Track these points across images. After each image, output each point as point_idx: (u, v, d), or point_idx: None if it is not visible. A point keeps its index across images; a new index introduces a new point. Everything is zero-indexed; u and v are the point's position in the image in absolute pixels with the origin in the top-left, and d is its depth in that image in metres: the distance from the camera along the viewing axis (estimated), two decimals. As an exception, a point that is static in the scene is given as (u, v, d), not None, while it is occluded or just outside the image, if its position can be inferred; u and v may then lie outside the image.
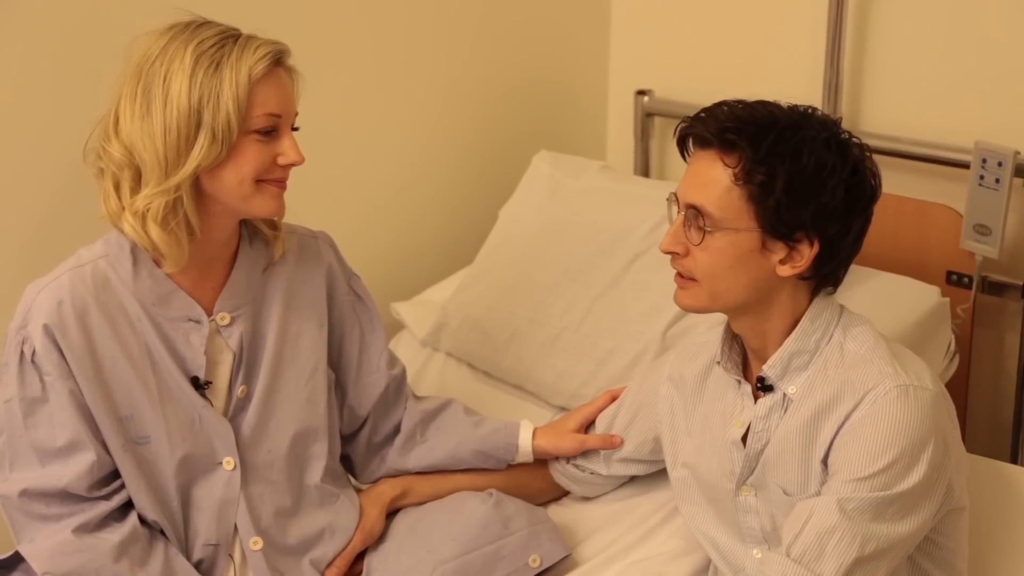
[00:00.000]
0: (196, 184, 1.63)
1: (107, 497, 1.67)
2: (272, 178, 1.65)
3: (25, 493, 1.64)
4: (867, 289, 2.07)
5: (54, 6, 1.93)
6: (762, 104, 1.58)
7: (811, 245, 1.55)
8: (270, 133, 1.64)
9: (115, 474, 1.68)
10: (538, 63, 2.72)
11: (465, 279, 2.42)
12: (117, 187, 1.64)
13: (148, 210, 1.61)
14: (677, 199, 1.61)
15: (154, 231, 1.61)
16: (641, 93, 2.72)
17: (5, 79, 1.91)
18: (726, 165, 1.54)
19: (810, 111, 1.59)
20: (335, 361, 1.87)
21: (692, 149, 1.61)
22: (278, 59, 1.64)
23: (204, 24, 1.63)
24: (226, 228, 1.70)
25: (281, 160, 1.65)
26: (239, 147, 1.61)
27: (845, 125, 1.62)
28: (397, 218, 2.54)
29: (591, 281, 2.24)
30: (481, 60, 2.61)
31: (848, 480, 1.51)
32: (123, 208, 1.63)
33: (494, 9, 2.60)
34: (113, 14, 1.96)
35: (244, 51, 1.61)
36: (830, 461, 1.56)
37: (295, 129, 1.69)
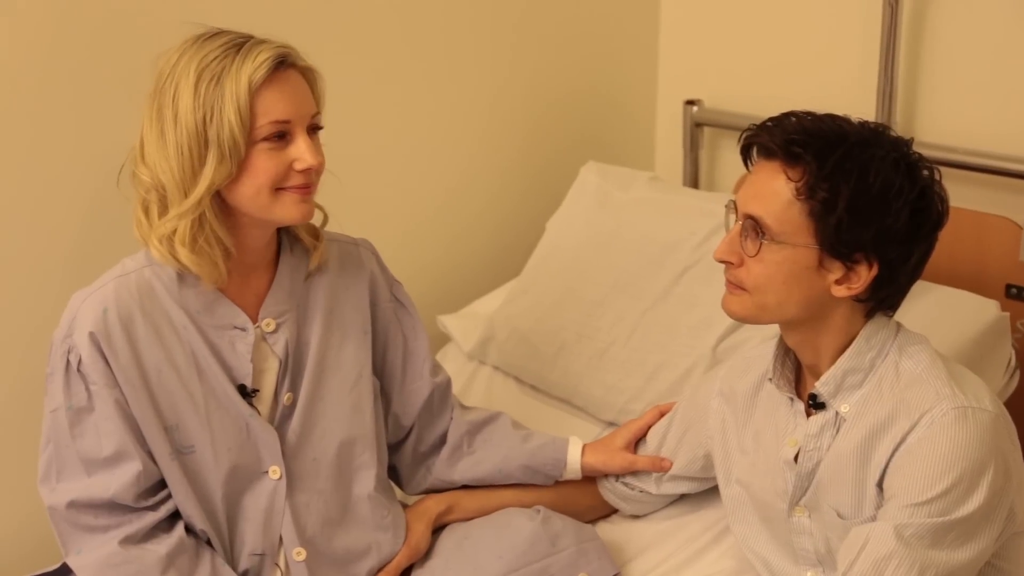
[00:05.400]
0: (219, 199, 1.61)
1: (154, 508, 1.67)
2: (291, 185, 1.62)
3: (73, 504, 1.63)
4: (924, 303, 2.02)
5: (106, 14, 1.95)
6: (831, 118, 1.55)
7: (869, 267, 1.52)
8: (282, 138, 1.60)
9: (161, 484, 1.68)
10: (586, 73, 2.70)
11: (512, 291, 2.40)
12: (147, 211, 1.63)
13: (175, 233, 1.60)
14: (736, 207, 1.58)
15: (183, 254, 1.60)
16: (690, 103, 2.69)
17: (50, 87, 1.92)
18: (789, 178, 1.51)
19: (881, 129, 1.56)
20: (379, 368, 1.86)
21: (756, 158, 1.58)
22: (281, 62, 1.59)
23: (214, 35, 1.60)
24: (260, 237, 1.69)
25: (297, 165, 1.61)
26: (250, 159, 1.58)
27: (899, 133, 1.58)
28: (444, 230, 2.53)
29: (640, 294, 2.22)
30: (529, 70, 2.59)
31: (905, 505, 1.48)
32: (152, 232, 1.62)
33: (542, 19, 2.59)
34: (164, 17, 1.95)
35: (245, 60, 1.57)
36: (885, 485, 1.53)
37: (318, 128, 1.65)
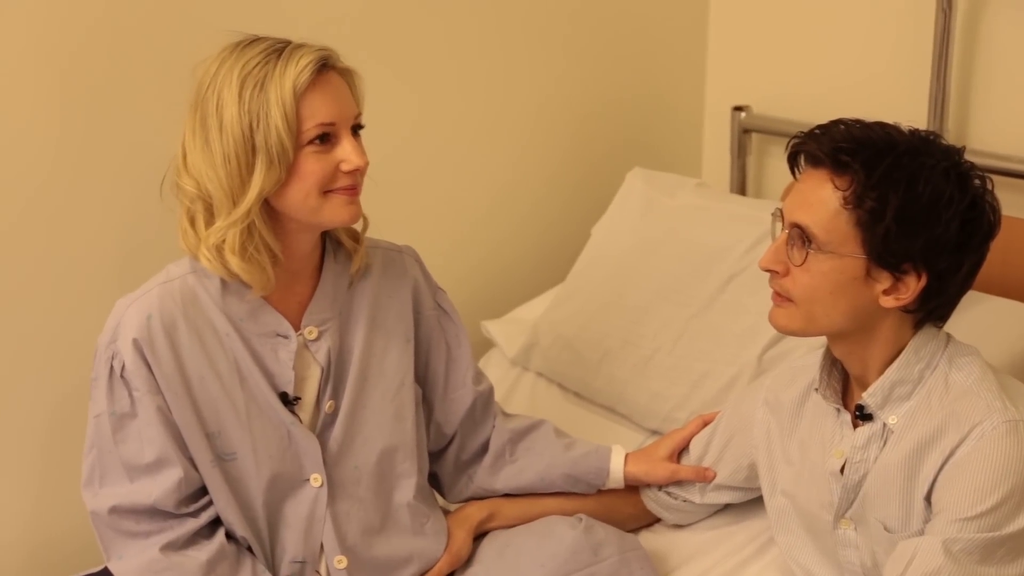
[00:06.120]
0: (266, 205, 1.61)
1: (195, 514, 1.67)
2: (339, 187, 1.62)
3: (115, 510, 1.64)
4: (975, 314, 1.98)
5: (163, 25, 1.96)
6: (881, 126, 1.52)
7: (918, 278, 1.49)
8: (327, 141, 1.60)
9: (203, 491, 1.68)
10: (633, 78, 2.69)
11: (556, 298, 2.39)
12: (192, 222, 1.63)
13: (224, 242, 1.60)
14: (782, 215, 1.56)
15: (233, 262, 1.60)
16: (738, 109, 2.67)
17: (91, 98, 1.94)
18: (836, 187, 1.49)
19: (931, 137, 1.53)
20: (422, 376, 1.86)
21: (803, 166, 1.56)
22: (323, 64, 1.59)
23: (252, 42, 1.60)
24: (307, 242, 1.69)
25: (344, 167, 1.61)
26: (298, 163, 1.58)
27: (951, 142, 1.56)
28: (489, 236, 2.53)
29: (685, 301, 2.20)
30: (575, 75, 2.58)
31: (954, 520, 1.45)
32: (200, 242, 1.62)
33: (589, 24, 2.58)
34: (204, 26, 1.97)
35: (287, 65, 1.56)
36: (934, 499, 1.50)
37: (360, 127, 1.65)
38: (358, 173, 1.63)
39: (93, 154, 1.96)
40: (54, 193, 1.94)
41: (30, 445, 2.00)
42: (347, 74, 1.64)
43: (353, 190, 1.63)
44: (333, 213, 1.62)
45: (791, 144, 1.56)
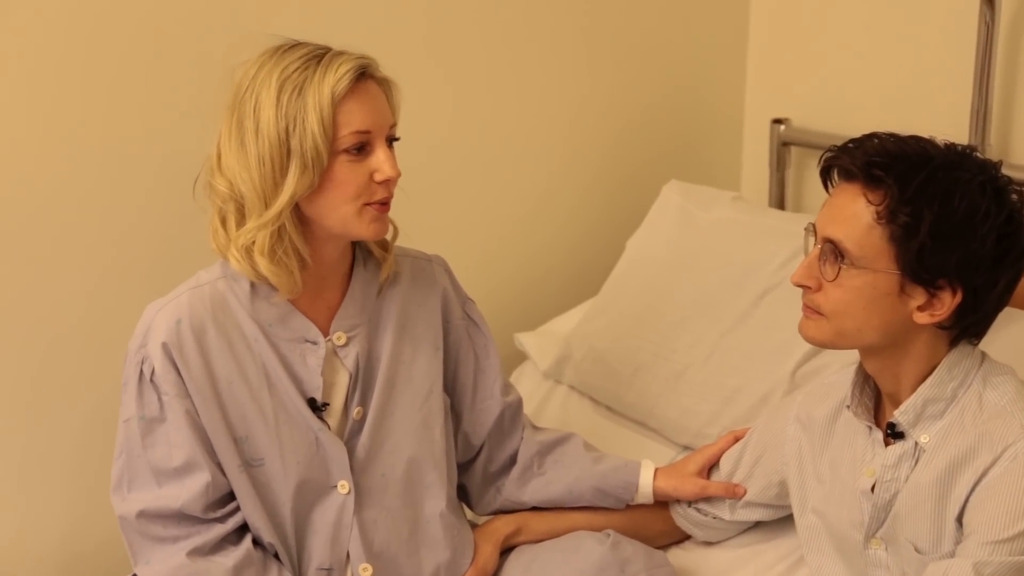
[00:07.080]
0: (297, 210, 1.62)
1: (222, 520, 1.67)
2: (374, 201, 1.62)
3: (143, 514, 1.65)
4: (1011, 332, 1.95)
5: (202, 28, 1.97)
6: (915, 140, 1.50)
7: (953, 294, 1.47)
8: (362, 150, 1.60)
9: (230, 496, 1.68)
10: (672, 89, 2.67)
11: (590, 310, 2.38)
12: (224, 222, 1.64)
13: (253, 243, 1.60)
14: (815, 230, 1.54)
15: (262, 264, 1.61)
16: (777, 122, 2.65)
17: (125, 99, 1.95)
18: (870, 202, 1.47)
19: (968, 151, 1.51)
20: (450, 386, 1.85)
21: (836, 180, 1.54)
22: (362, 73, 1.60)
23: (292, 47, 1.61)
24: (336, 249, 1.69)
25: (377, 176, 1.61)
26: (332, 170, 1.59)
27: (993, 156, 1.53)
28: (522, 247, 2.52)
29: (719, 316, 2.18)
30: (612, 86, 2.57)
31: (985, 542, 1.43)
32: (230, 242, 1.63)
33: (628, 34, 2.57)
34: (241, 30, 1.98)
35: (327, 71, 1.57)
36: (965, 520, 1.48)
37: (396, 139, 1.65)
38: (391, 184, 1.63)
39: (127, 158, 1.97)
40: (87, 197, 1.95)
41: (63, 454, 2.01)
42: (385, 84, 1.65)
43: (385, 206, 1.64)
44: (361, 226, 1.63)
45: (824, 158, 1.55)
